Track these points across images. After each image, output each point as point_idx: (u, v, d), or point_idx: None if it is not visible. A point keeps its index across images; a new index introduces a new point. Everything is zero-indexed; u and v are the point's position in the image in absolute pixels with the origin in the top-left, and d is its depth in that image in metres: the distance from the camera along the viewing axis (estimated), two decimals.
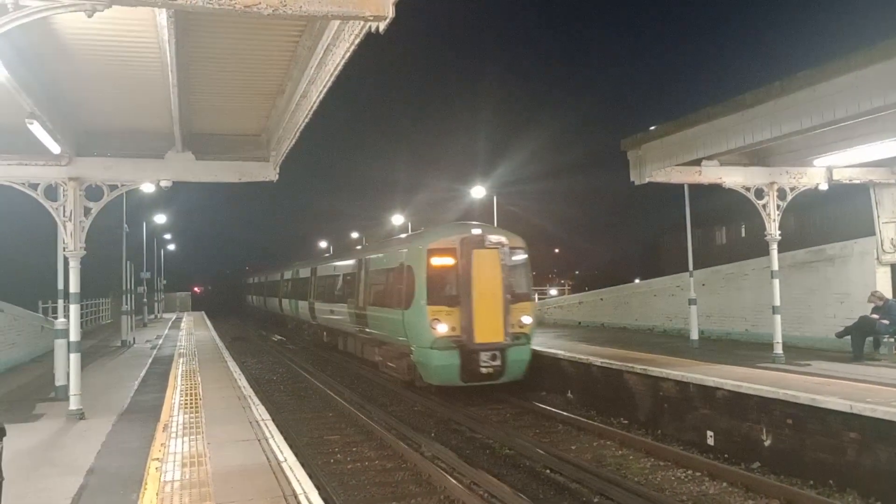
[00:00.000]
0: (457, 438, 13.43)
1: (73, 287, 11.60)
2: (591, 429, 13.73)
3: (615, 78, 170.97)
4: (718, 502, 9.61)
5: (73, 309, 11.73)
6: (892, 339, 14.85)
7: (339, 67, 7.43)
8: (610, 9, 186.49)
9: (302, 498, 7.06)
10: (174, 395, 13.42)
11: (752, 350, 16.74)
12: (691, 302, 19.14)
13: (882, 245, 15.90)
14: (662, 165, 14.56)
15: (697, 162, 14.46)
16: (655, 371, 13.98)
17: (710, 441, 12.30)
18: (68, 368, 12.05)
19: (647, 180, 14.89)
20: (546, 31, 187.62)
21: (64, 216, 11.63)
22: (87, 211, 11.78)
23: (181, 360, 19.79)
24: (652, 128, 15.63)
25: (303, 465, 8.72)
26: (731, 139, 12.82)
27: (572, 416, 14.72)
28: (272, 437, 9.82)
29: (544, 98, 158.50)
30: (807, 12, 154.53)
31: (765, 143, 12.87)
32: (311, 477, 8.52)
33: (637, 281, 31.18)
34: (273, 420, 11.16)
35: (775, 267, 15.23)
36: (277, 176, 12.88)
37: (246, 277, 72.40)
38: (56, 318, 15.38)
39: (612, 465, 11.32)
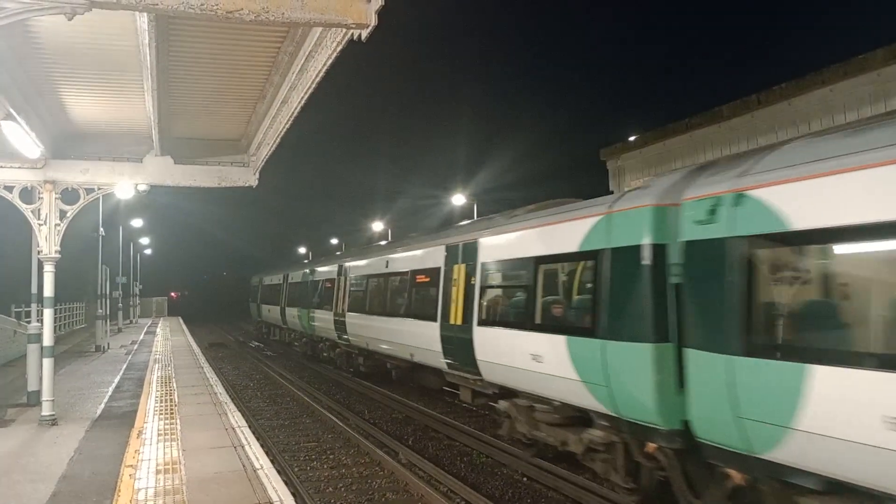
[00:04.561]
0: (435, 446, 13.41)
1: (48, 291, 11.46)
2: None
3: (596, 85, 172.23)
4: None
5: (48, 313, 11.58)
6: None
7: (321, 74, 7.46)
8: (593, 14, 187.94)
9: None
10: (149, 401, 13.28)
11: None
12: None
13: None
14: (641, 176, 14.75)
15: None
16: None
17: None
18: (41, 373, 11.88)
19: (626, 190, 15.02)
20: (527, 37, 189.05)
21: (39, 219, 11.49)
22: (62, 214, 11.65)
23: (156, 365, 19.59)
24: (631, 138, 15.82)
25: (279, 471, 8.69)
26: (708, 151, 13.01)
27: None
28: (248, 443, 9.76)
29: (525, 105, 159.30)
30: (792, 18, 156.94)
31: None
32: (287, 484, 8.50)
33: None
34: (249, 426, 11.10)
35: None
36: (258, 181, 12.84)
37: (262, 276, 40.87)
38: (29, 322, 15.17)
39: None
